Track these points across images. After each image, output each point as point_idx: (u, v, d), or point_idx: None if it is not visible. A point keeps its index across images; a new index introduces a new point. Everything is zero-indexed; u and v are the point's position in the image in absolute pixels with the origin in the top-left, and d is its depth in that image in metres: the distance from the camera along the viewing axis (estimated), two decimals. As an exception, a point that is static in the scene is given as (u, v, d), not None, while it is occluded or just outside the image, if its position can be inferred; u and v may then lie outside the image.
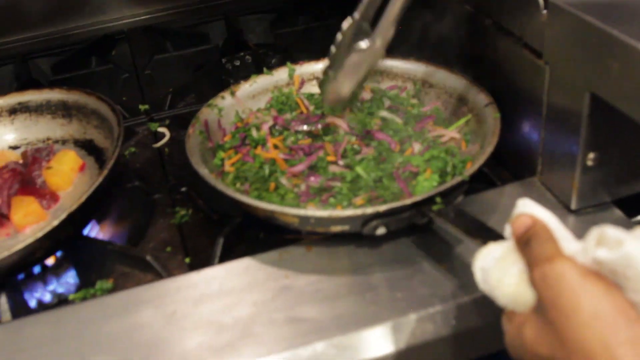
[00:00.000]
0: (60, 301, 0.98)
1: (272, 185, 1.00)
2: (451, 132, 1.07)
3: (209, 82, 1.47)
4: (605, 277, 0.60)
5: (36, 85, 1.56)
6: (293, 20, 1.69)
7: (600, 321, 0.58)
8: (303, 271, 0.89)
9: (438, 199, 0.88)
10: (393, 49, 1.22)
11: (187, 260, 0.99)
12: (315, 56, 1.26)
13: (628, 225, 0.90)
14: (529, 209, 0.71)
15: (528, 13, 0.92)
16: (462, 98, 1.11)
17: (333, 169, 1.01)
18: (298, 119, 1.13)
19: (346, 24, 0.98)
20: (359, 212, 0.86)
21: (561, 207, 0.94)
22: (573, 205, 0.93)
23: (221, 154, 1.11)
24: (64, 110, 1.19)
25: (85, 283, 0.98)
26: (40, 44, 1.72)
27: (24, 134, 1.21)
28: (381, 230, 0.88)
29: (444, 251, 0.90)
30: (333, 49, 1.01)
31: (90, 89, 1.47)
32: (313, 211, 0.90)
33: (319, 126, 1.10)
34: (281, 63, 1.52)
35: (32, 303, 0.99)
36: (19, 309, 0.96)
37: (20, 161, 1.14)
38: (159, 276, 0.95)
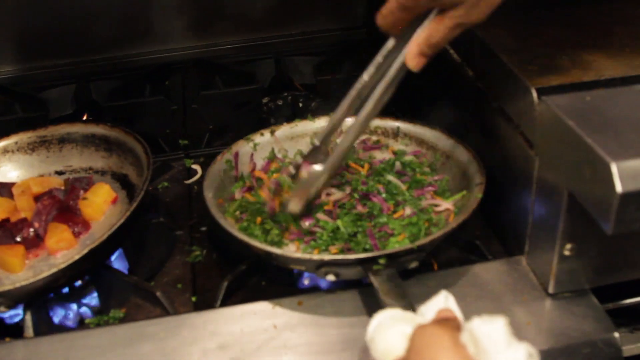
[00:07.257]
0: (81, 321, 1.09)
1: (259, 219, 1.09)
2: (447, 204, 1.11)
3: (248, 121, 1.55)
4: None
5: (94, 105, 1.69)
6: (336, 67, 1.75)
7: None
8: (291, 324, 0.96)
9: (381, 260, 0.94)
10: (419, 116, 1.29)
11: (194, 299, 1.07)
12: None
13: (599, 314, 0.95)
14: (450, 303, 0.78)
15: (524, 104, 0.96)
16: (465, 173, 1.13)
17: (319, 216, 1.08)
18: None
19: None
20: (306, 256, 0.96)
21: (540, 289, 0.98)
22: (550, 289, 0.97)
23: (240, 184, 1.20)
24: (106, 145, 1.29)
25: (105, 307, 1.09)
26: (103, 67, 1.83)
27: (69, 161, 1.32)
28: (330, 277, 0.96)
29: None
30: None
31: (140, 118, 1.60)
32: (272, 248, 0.99)
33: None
34: (319, 107, 1.61)
35: (56, 319, 1.09)
36: (42, 325, 1.06)
37: (62, 187, 1.25)
38: (165, 311, 1.04)
